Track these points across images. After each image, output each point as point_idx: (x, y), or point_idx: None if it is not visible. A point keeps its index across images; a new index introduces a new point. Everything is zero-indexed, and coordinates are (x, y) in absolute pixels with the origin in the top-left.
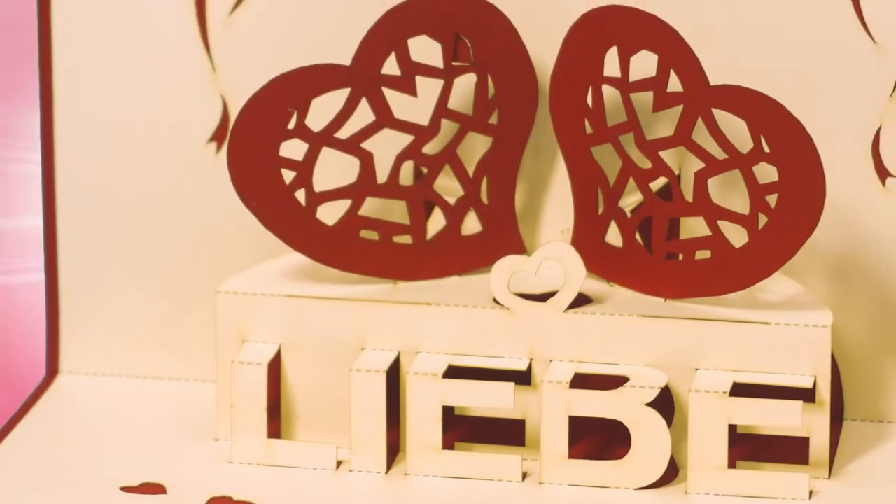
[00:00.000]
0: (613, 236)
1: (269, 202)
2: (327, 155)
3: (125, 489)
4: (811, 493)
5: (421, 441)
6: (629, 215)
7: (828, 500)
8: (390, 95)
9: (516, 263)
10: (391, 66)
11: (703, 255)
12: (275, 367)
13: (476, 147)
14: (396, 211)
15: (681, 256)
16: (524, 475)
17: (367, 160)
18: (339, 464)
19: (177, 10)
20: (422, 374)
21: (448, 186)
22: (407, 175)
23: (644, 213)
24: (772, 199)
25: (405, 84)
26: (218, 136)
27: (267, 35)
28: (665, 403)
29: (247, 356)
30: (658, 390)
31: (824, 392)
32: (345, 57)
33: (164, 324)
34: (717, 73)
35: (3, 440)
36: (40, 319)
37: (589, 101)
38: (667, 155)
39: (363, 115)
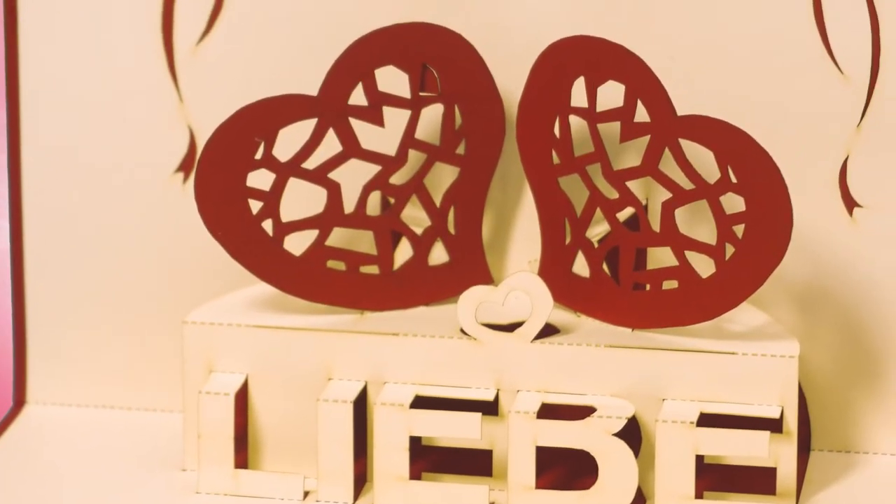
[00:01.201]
0: (581, 266)
1: (236, 232)
2: (294, 185)
3: None
4: None
5: (388, 471)
6: (596, 245)
7: None
8: (357, 126)
9: (483, 294)
10: (358, 97)
11: (670, 285)
12: (242, 398)
13: (443, 177)
14: (363, 241)
15: (648, 287)
16: None
17: (334, 190)
18: (306, 494)
19: (143, 39)
20: (389, 404)
21: (415, 217)
22: (374, 205)
23: (611, 243)
24: (739, 230)
25: (372, 114)
26: (185, 167)
27: (234, 65)
28: (632, 433)
29: (214, 386)
30: (625, 420)
31: (791, 422)
32: (312, 87)
33: (131, 354)
34: (685, 103)
35: None
36: (7, 350)
37: (556, 131)
38: (634, 185)
39: (330, 145)
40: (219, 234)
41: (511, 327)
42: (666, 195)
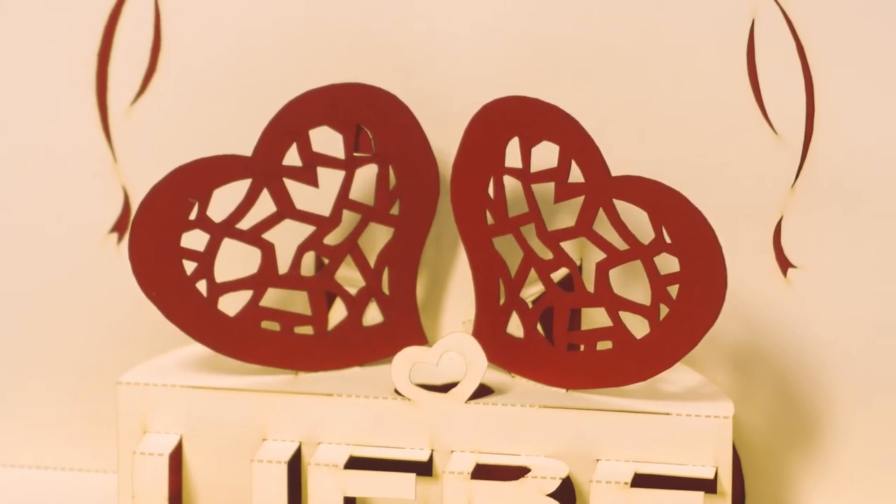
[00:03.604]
0: (515, 327)
1: (171, 293)
2: (229, 245)
3: None
4: None
5: None
6: (530, 306)
7: None
8: (291, 186)
9: (417, 354)
10: (292, 157)
11: (604, 345)
12: (176, 458)
13: (377, 237)
14: (298, 301)
15: (582, 347)
16: None
17: (268, 251)
18: None
19: (78, 100)
20: (323, 464)
21: (349, 277)
22: (308, 266)
23: (545, 303)
24: (673, 290)
25: (306, 175)
26: (119, 227)
27: (168, 125)
28: (566, 494)
29: (148, 447)
30: (559, 481)
31: (726, 483)
32: (246, 147)
33: (65, 414)
34: (619, 164)
35: None
36: None
37: (490, 191)
38: (568, 245)
39: (264, 205)
40: (153, 294)
41: (445, 388)
42: (600, 256)
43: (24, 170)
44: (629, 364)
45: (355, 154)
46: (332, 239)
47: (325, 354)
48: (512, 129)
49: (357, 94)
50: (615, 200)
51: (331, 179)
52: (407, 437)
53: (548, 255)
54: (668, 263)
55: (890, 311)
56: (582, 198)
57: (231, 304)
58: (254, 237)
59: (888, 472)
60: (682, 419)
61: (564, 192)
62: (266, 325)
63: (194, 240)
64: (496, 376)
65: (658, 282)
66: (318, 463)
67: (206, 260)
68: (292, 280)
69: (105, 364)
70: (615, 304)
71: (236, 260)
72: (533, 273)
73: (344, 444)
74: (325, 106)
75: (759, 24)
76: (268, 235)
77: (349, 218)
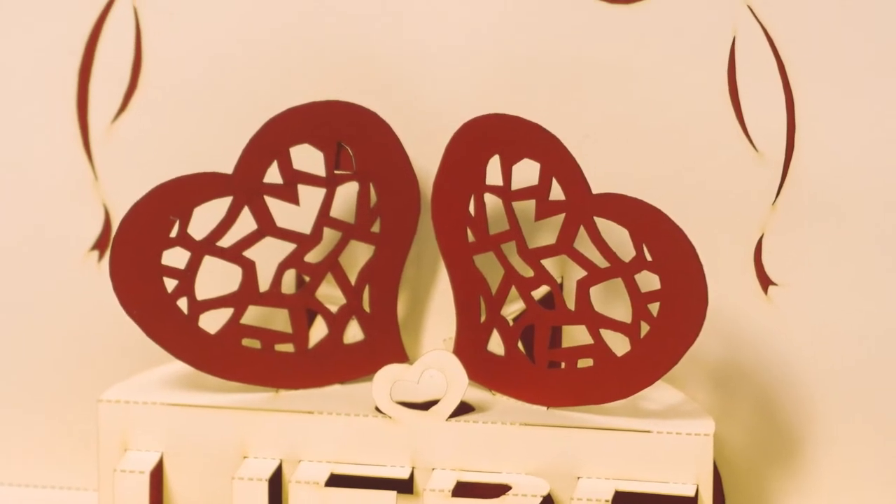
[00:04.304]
0: (496, 345)
1: (151, 311)
2: (209, 263)
3: None
4: None
5: None
6: (511, 323)
7: None
8: (272, 204)
9: (398, 372)
10: (273, 175)
11: (585, 363)
12: (157, 476)
13: (358, 255)
14: (278, 319)
15: (563, 365)
16: None
17: (249, 269)
18: None
19: (58, 117)
20: (304, 482)
21: (330, 295)
22: (289, 283)
23: (526, 321)
24: (654, 308)
25: (287, 192)
26: (100, 245)
27: (149, 143)
28: None
29: (129, 464)
30: (540, 499)
31: (707, 500)
32: (227, 165)
33: (46, 432)
34: (600, 182)
35: None
36: None
37: (471, 209)
38: (549, 263)
39: (245, 223)
40: (134, 312)
41: (426, 405)
42: (581, 273)
43: (5, 187)
44: (610, 382)
45: (336, 172)
46: (312, 256)
47: (305, 372)
48: (493, 146)
49: (338, 111)
50: (596, 218)
51: (312, 197)
52: (388, 454)
53: (529, 272)
54: (648, 281)
55: (871, 329)
56: (563, 215)
57: (212, 321)
58: (234, 255)
59: (869, 490)
60: (663, 437)
61: (545, 209)
62: (247, 342)
63: (175, 257)
64: (477, 394)
65: (639, 299)
66: (299, 480)
67: (186, 277)
68: (273, 298)
69: (86, 381)
70: (596, 322)
71: (217, 277)
72: (514, 290)
73: (325, 461)
74: (306, 123)
75: (739, 41)
76: (248, 253)
77: (330, 235)
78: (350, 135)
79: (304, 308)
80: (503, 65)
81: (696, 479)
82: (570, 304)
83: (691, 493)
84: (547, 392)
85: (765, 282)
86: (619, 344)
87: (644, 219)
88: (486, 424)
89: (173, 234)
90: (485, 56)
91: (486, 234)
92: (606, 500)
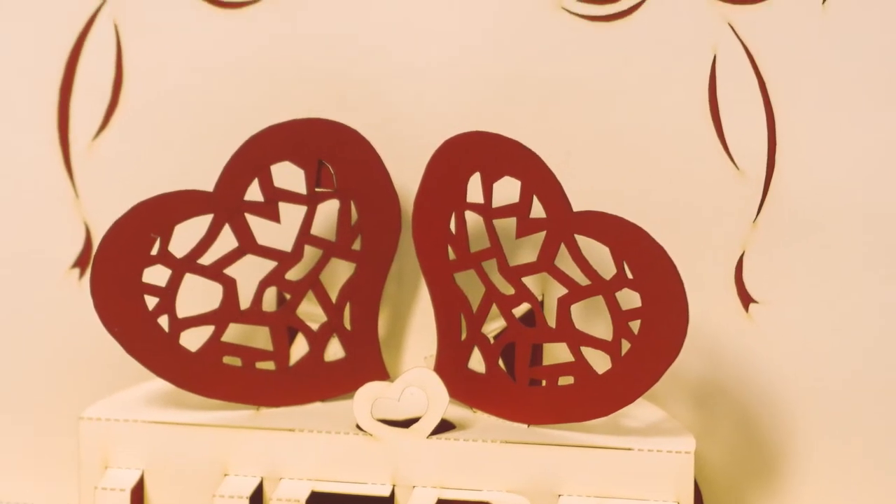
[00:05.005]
0: (476, 362)
1: (132, 328)
2: (190, 281)
3: None
4: None
5: None
6: (492, 341)
7: None
8: (253, 221)
9: (379, 389)
10: (254, 192)
11: (566, 381)
12: (138, 493)
13: (339, 273)
14: (259, 337)
15: (544, 382)
16: None
17: (230, 286)
18: None
19: (39, 135)
20: (285, 499)
21: (311, 312)
22: (270, 301)
23: (507, 339)
24: (635, 325)
25: (268, 210)
26: (81, 263)
27: (130, 161)
28: None
29: (110, 482)
30: None
31: None
32: (208, 183)
33: (27, 449)
34: (580, 199)
35: None
36: None
37: (452, 226)
38: (530, 281)
39: (226, 241)
40: (115, 329)
41: (407, 423)
42: (562, 291)
43: None
44: (591, 399)
45: (317, 189)
46: (293, 274)
47: (286, 390)
48: (473, 164)
49: (319, 129)
50: (577, 236)
51: (292, 215)
52: (369, 472)
53: (509, 290)
54: (629, 299)
55: (851, 346)
56: (543, 233)
57: (193, 339)
58: (215, 272)
59: None
60: (643, 454)
61: (526, 227)
62: (228, 360)
63: (156, 275)
64: (458, 411)
65: (620, 317)
66: (280, 498)
67: (167, 295)
68: (254, 315)
69: (67, 399)
70: (577, 340)
71: (198, 295)
72: (494, 308)
73: (306, 479)
74: (287, 141)
75: (720, 59)
76: (229, 271)
77: (311, 253)
78: (331, 152)
79: (285, 326)
80: (484, 82)
81: (676, 496)
82: (551, 321)
83: None
84: (528, 410)
85: (746, 299)
86: (600, 361)
87: (625, 236)
88: (467, 442)
89: (154, 251)
90: (466, 74)
91: (466, 252)
92: None
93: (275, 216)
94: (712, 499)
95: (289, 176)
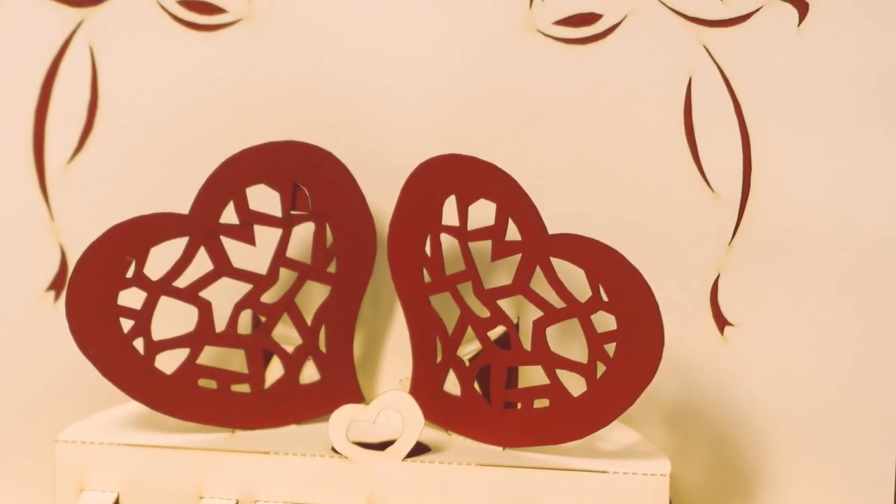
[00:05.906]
0: (452, 385)
1: (108, 351)
2: (166, 304)
3: None
4: None
5: None
6: (467, 364)
7: None
8: (229, 244)
9: (354, 412)
10: (230, 215)
11: (541, 403)
12: None
13: (314, 295)
14: (235, 360)
15: (519, 405)
16: None
17: (205, 309)
18: None
19: (14, 158)
20: None
21: (286, 335)
22: (245, 324)
23: (482, 361)
24: (610, 348)
25: (243, 233)
26: (56, 285)
27: (105, 183)
28: None
29: None
30: None
31: None
32: (183, 205)
33: (1, 472)
34: (556, 222)
35: None
36: None
37: (427, 249)
38: (505, 303)
39: (201, 263)
40: (90, 352)
41: (382, 446)
42: (537, 313)
43: None
44: (566, 422)
45: (292, 212)
46: (269, 297)
47: (262, 412)
48: (449, 187)
49: (294, 152)
50: (552, 258)
51: (268, 237)
52: (344, 494)
53: (485, 312)
54: (605, 321)
55: (826, 369)
56: (519, 255)
57: (168, 361)
58: (191, 295)
59: None
60: (619, 477)
61: (501, 249)
62: (203, 382)
63: (131, 298)
64: (433, 434)
65: (595, 340)
66: None
67: (143, 318)
68: (229, 338)
69: (42, 422)
70: (552, 362)
71: (173, 318)
72: (470, 331)
73: (281, 501)
74: (262, 164)
75: (696, 82)
76: (205, 293)
77: (286, 276)
78: (306, 175)
79: (261, 348)
80: (459, 105)
81: None
82: (527, 344)
83: None
84: (503, 432)
85: (721, 322)
86: (575, 384)
87: (600, 259)
88: (442, 465)
89: (129, 274)
90: (441, 97)
91: (442, 275)
92: None
93: (250, 239)
94: None
95: (264, 199)
